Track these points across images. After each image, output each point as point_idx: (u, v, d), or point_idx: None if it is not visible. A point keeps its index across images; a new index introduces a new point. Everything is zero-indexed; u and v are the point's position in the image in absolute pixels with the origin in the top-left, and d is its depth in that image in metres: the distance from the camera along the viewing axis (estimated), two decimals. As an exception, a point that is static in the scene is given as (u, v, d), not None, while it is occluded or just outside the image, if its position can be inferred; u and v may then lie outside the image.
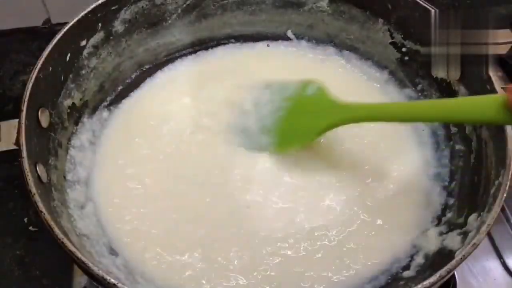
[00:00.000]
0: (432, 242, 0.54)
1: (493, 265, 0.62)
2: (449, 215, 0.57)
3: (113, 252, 0.54)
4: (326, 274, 0.53)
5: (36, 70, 0.52)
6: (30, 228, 0.64)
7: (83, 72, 0.62)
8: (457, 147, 0.61)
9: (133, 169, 0.61)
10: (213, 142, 0.63)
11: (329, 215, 0.57)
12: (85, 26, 0.60)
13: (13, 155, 0.49)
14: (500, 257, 0.63)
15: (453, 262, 0.44)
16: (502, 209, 0.62)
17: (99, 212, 0.57)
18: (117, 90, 0.68)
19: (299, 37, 0.76)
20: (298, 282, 0.53)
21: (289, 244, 0.55)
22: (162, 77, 0.72)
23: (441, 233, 0.54)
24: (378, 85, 0.71)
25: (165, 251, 0.54)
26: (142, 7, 0.66)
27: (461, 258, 0.44)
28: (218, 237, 0.55)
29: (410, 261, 0.54)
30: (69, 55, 0.58)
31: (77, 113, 0.61)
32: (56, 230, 0.43)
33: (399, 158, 0.63)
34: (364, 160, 0.62)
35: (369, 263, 0.54)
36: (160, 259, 0.54)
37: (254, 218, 0.57)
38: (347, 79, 0.72)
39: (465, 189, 0.57)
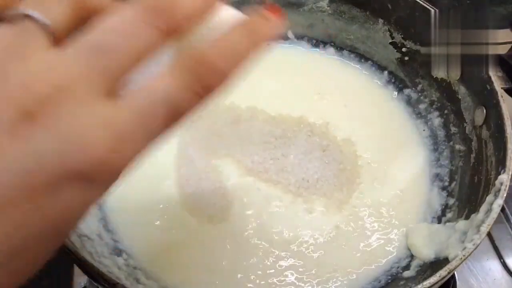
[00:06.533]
0: (432, 242, 0.54)
1: (493, 265, 0.62)
2: (449, 215, 0.57)
3: (115, 252, 0.54)
4: (325, 279, 0.53)
5: (36, 70, 0.52)
6: (30, 228, 0.64)
7: (83, 72, 0.61)
8: (457, 147, 0.61)
9: (135, 169, 0.61)
10: (211, 146, 0.63)
11: (327, 217, 0.58)
12: (85, 26, 0.60)
13: (13, 155, 0.49)
14: (500, 257, 0.63)
15: (453, 262, 0.44)
16: (502, 209, 0.61)
17: (104, 212, 0.57)
18: (117, 90, 0.68)
19: (299, 37, 0.76)
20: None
21: (291, 249, 0.55)
22: (162, 77, 0.71)
23: (441, 233, 0.54)
24: (378, 85, 0.71)
25: (170, 251, 0.54)
26: (142, 7, 0.65)
27: (461, 258, 0.44)
28: (223, 240, 0.55)
29: (410, 261, 0.54)
30: (69, 55, 0.58)
31: (77, 113, 0.61)
32: (56, 230, 0.43)
33: (399, 158, 0.63)
34: (363, 160, 0.62)
35: (372, 266, 0.54)
36: (164, 258, 0.54)
37: (257, 224, 0.57)
38: (347, 79, 0.72)
39: (465, 189, 0.57)
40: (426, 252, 0.52)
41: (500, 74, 0.71)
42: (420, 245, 0.53)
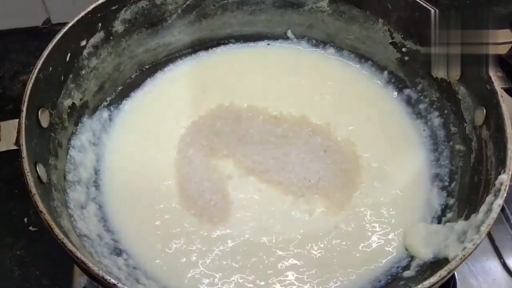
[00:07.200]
0: (432, 242, 0.54)
1: (493, 265, 0.62)
2: (449, 215, 0.57)
3: (115, 252, 0.54)
4: (326, 279, 0.53)
5: (36, 70, 0.52)
6: (30, 228, 0.64)
7: (83, 72, 0.62)
8: (457, 147, 0.61)
9: (136, 170, 0.61)
10: (212, 146, 0.63)
11: (328, 217, 0.58)
12: (85, 26, 0.60)
13: (13, 155, 0.49)
14: (500, 257, 0.63)
15: (453, 262, 0.44)
16: (502, 209, 0.62)
17: (104, 212, 0.57)
18: (117, 90, 0.68)
19: (299, 37, 0.76)
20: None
21: (292, 249, 0.55)
22: (162, 77, 0.72)
23: (441, 233, 0.54)
24: (378, 85, 0.71)
25: (170, 251, 0.54)
26: (142, 7, 0.65)
27: (461, 258, 0.44)
28: (223, 240, 0.56)
29: (410, 261, 0.54)
30: (69, 55, 0.58)
31: (77, 113, 0.61)
32: (56, 230, 0.43)
33: (399, 158, 0.63)
34: (363, 160, 0.62)
35: (372, 266, 0.54)
36: (164, 258, 0.54)
37: (258, 224, 0.57)
38: (347, 79, 0.72)
39: (465, 189, 0.57)
40: (424, 251, 0.52)
41: (500, 74, 0.71)
42: (417, 245, 0.53)
